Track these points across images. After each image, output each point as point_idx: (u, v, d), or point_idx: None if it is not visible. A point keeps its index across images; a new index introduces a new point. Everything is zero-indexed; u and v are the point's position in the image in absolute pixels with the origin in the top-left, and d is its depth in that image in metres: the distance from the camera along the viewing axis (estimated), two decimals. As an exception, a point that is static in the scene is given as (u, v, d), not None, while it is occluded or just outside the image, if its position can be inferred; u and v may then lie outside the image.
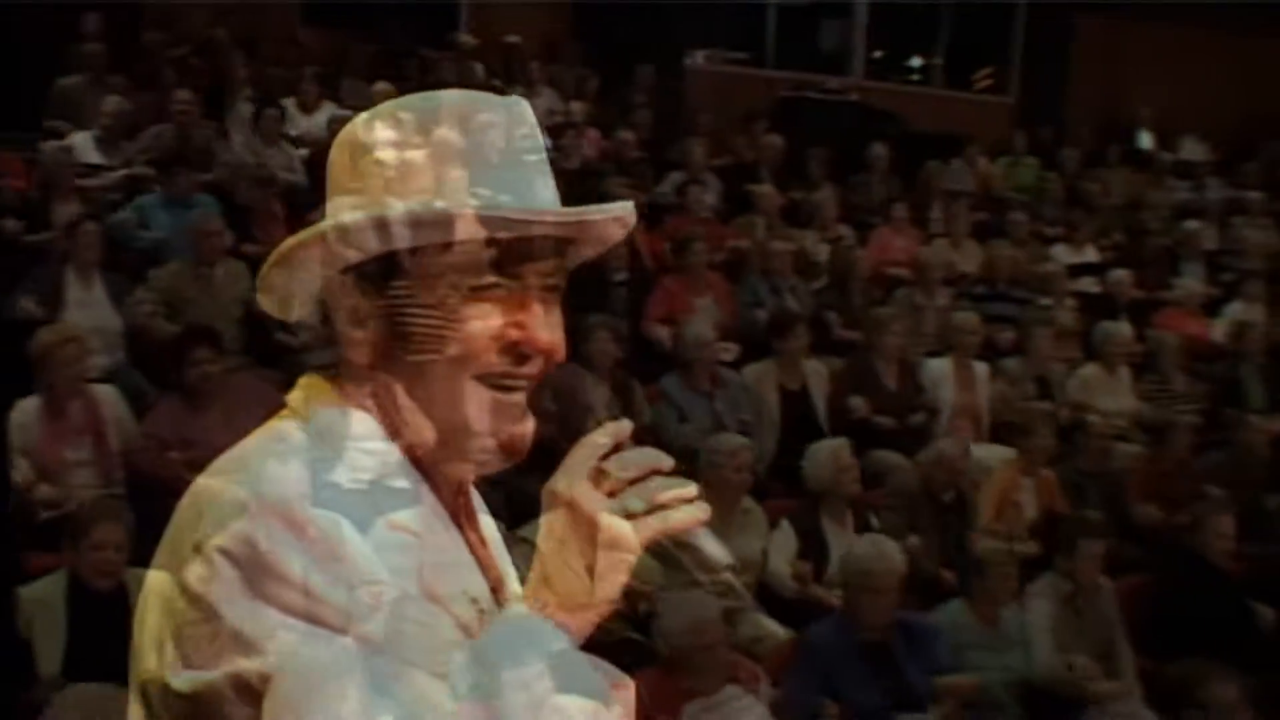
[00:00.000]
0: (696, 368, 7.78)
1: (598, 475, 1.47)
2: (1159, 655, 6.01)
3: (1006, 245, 10.97)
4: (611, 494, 1.46)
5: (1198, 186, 14.64)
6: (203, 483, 1.51)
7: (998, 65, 17.49)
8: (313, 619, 1.38)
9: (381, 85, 11.40)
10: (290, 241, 1.56)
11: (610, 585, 1.46)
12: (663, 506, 1.46)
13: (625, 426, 1.51)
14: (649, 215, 10.59)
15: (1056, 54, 16.72)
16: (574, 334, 7.38)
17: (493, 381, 1.53)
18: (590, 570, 1.45)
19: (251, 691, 1.36)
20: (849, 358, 8.71)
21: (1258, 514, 7.41)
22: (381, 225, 1.50)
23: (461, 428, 1.54)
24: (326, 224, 1.54)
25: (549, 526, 1.48)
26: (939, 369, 8.66)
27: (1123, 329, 9.51)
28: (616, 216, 1.60)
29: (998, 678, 5.76)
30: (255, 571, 1.38)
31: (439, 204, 1.51)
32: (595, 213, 1.57)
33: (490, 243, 1.51)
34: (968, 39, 17.39)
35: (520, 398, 1.56)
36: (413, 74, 12.11)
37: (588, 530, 1.45)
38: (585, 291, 8.27)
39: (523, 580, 1.60)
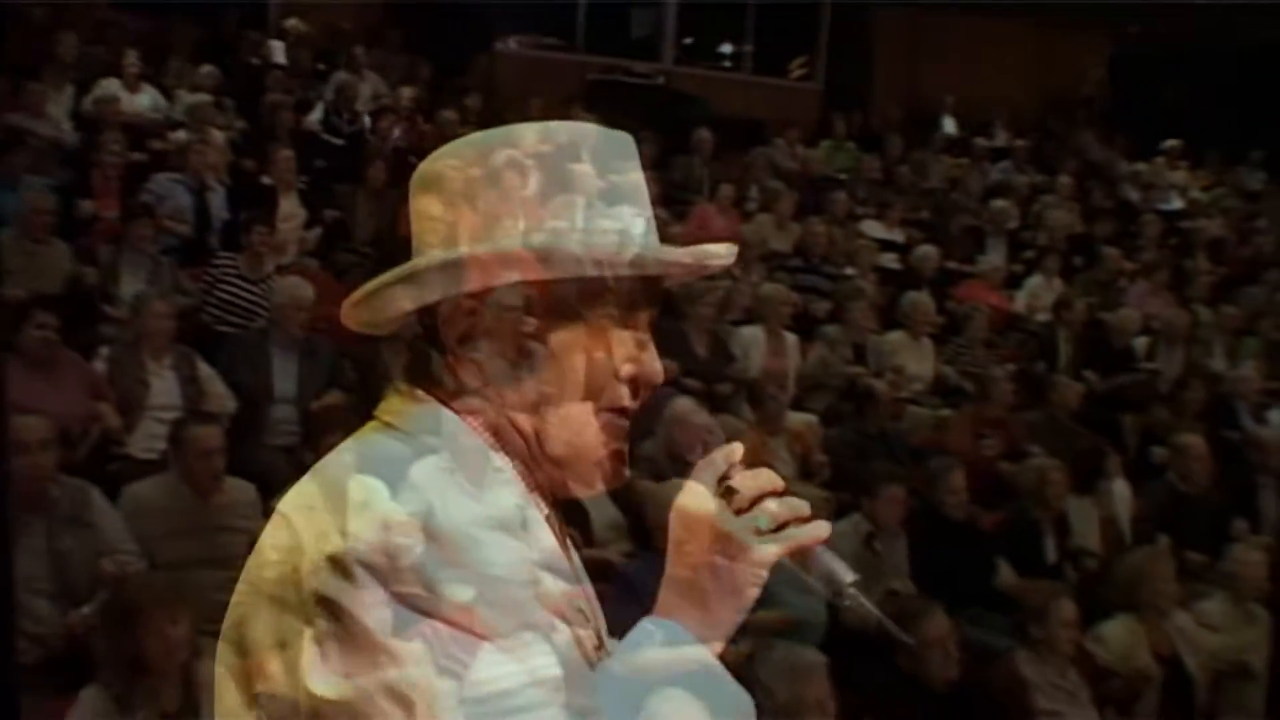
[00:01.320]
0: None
1: (726, 494, 1.50)
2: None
3: (820, 222, 11.30)
4: (738, 512, 1.49)
5: (1006, 170, 15.23)
6: (313, 490, 1.52)
7: (808, 55, 17.91)
8: (458, 626, 1.40)
9: (207, 68, 11.31)
10: (425, 262, 1.56)
11: (744, 600, 1.49)
12: (786, 524, 1.49)
13: (737, 449, 1.54)
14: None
15: (859, 44, 17.25)
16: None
17: (612, 410, 1.58)
18: (731, 590, 1.48)
19: (405, 700, 1.37)
20: (661, 325, 8.83)
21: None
22: (537, 257, 1.51)
23: (584, 453, 1.58)
24: (479, 248, 1.53)
25: (681, 540, 1.51)
26: (749, 336, 8.93)
27: (925, 299, 9.89)
28: (724, 261, 1.63)
29: (805, 614, 5.91)
30: (398, 582, 1.39)
31: (587, 240, 1.53)
32: (720, 256, 1.61)
33: (618, 279, 1.54)
34: (776, 27, 17.71)
35: (626, 423, 1.60)
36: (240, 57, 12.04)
37: (722, 547, 1.48)
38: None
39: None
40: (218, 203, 9.54)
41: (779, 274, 10.27)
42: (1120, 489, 7.98)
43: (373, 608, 1.38)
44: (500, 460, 1.57)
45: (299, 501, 1.52)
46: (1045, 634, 5.78)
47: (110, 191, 9.32)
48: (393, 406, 1.60)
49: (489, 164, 1.56)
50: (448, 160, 1.59)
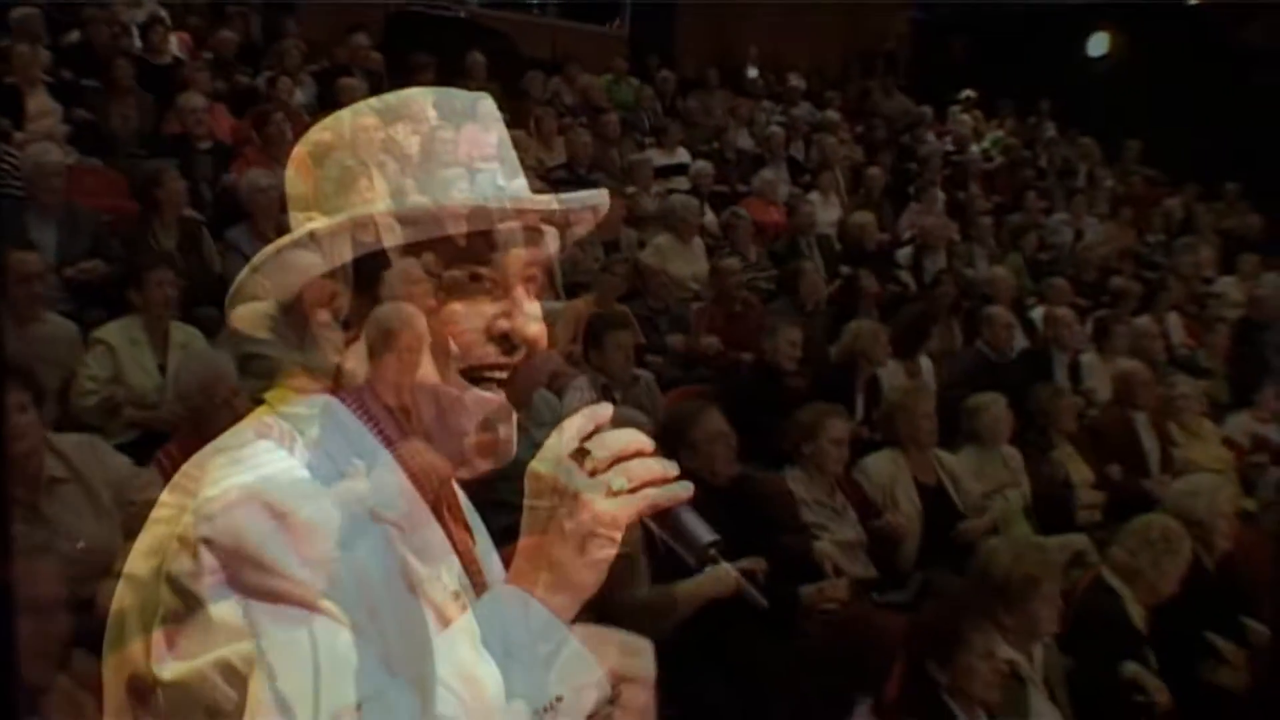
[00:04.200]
0: (259, 217, 7.85)
1: (579, 456, 1.46)
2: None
3: (587, 134, 11.45)
4: (594, 474, 1.45)
5: (787, 109, 15.49)
6: (183, 476, 1.49)
7: (617, 17, 18.01)
8: (296, 604, 1.37)
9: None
10: (272, 246, 1.54)
11: (597, 565, 1.45)
12: (645, 485, 1.45)
13: (605, 410, 1.50)
14: (234, 104, 10.58)
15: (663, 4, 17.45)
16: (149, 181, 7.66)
17: (480, 375, 1.54)
18: (577, 550, 1.44)
19: (238, 675, 1.36)
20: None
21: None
22: (370, 224, 1.50)
23: (451, 426, 1.54)
24: (315, 225, 1.53)
25: (532, 507, 1.47)
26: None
27: (690, 200, 10.13)
28: (593, 205, 1.62)
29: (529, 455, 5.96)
30: (240, 562, 1.38)
31: (424, 199, 1.52)
32: (576, 201, 1.59)
33: (473, 235, 1.52)
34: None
35: (504, 396, 1.56)
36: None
37: (572, 510, 1.44)
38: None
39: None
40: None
41: (543, 182, 10.25)
42: (925, 361, 8.29)
43: (211, 586, 1.37)
44: (379, 446, 1.54)
45: (177, 480, 1.50)
46: (814, 450, 5.96)
47: None
48: (278, 393, 1.58)
49: (342, 134, 1.57)
50: (314, 131, 1.61)
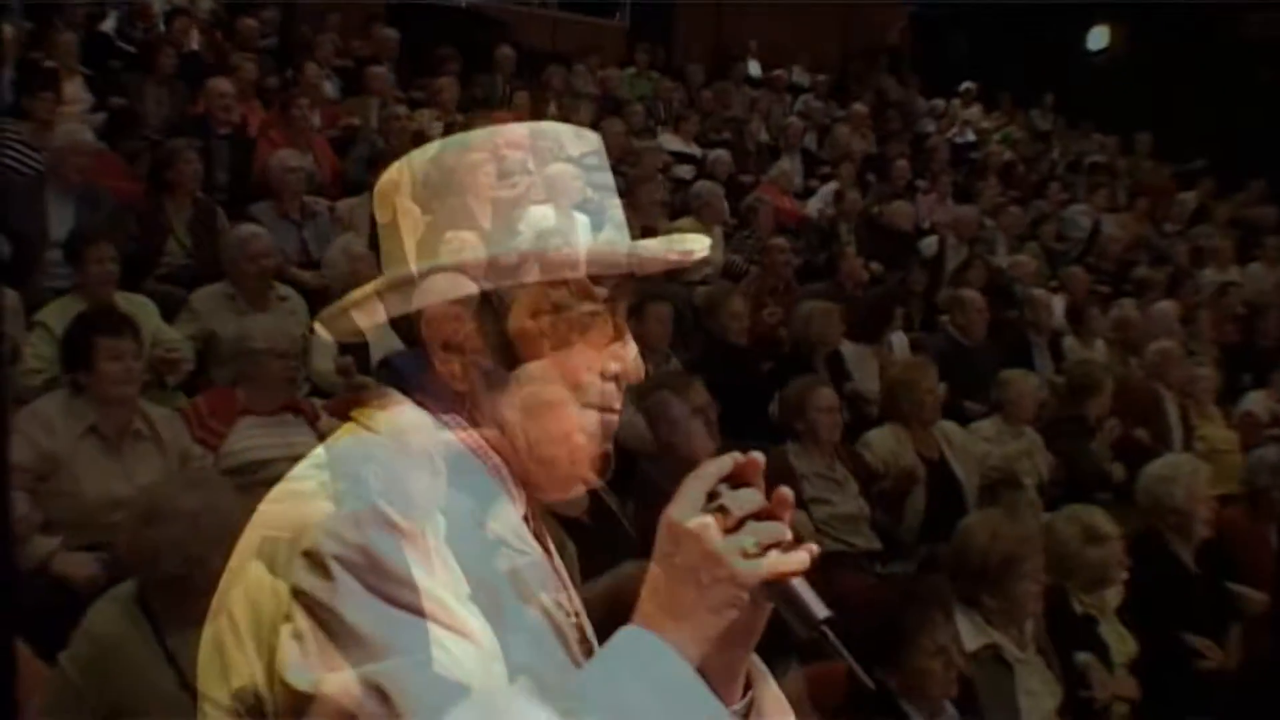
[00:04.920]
0: (285, 196, 8.02)
1: (715, 511, 1.46)
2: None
3: (619, 121, 11.55)
4: (727, 531, 1.45)
5: (807, 102, 15.63)
6: (290, 491, 1.52)
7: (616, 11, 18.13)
8: (434, 620, 1.39)
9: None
10: (401, 274, 1.57)
11: (722, 619, 1.46)
12: (769, 548, 1.46)
13: (728, 462, 1.50)
14: (264, 97, 10.66)
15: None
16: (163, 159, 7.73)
17: (600, 407, 1.59)
18: (707, 605, 1.45)
19: (381, 692, 1.35)
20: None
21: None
22: (510, 263, 1.53)
23: (575, 454, 1.58)
24: (467, 256, 1.54)
25: (668, 553, 1.47)
26: (539, 214, 8.97)
27: (712, 187, 10.20)
28: (694, 252, 1.62)
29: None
30: (374, 577, 1.39)
31: (556, 240, 1.54)
32: (696, 246, 1.61)
33: (601, 277, 1.55)
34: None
35: (615, 420, 1.61)
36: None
37: (709, 566, 1.44)
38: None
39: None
40: (3, 82, 9.31)
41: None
42: (899, 340, 8.36)
43: (349, 602, 1.38)
44: (479, 464, 1.58)
45: (286, 488, 1.53)
46: (806, 424, 6.02)
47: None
48: (371, 410, 1.60)
49: (463, 166, 1.58)
50: (421, 163, 1.60)
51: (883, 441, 6.58)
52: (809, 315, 7.63)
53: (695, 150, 12.69)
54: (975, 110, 17.24)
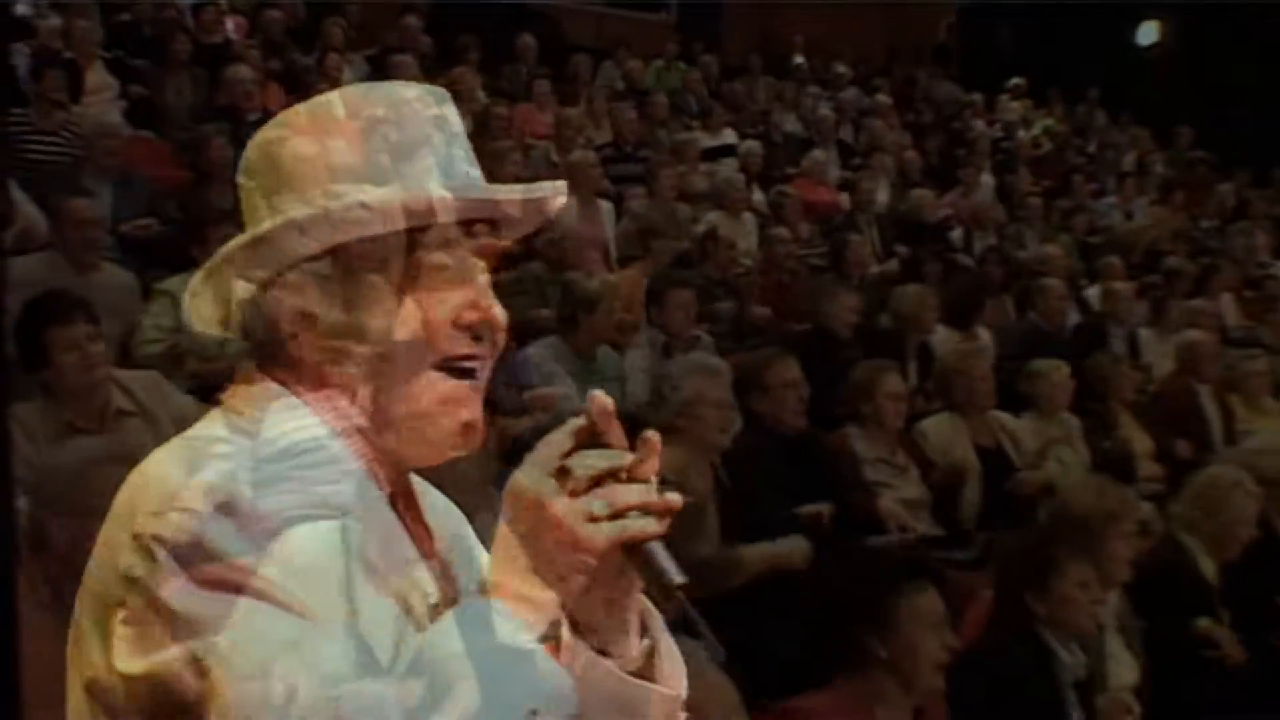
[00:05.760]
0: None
1: (560, 473, 1.41)
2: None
3: (633, 109, 11.58)
4: (574, 494, 1.39)
5: (835, 94, 15.47)
6: (137, 474, 1.50)
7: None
8: (258, 597, 1.37)
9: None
10: (235, 243, 1.54)
11: (570, 586, 1.40)
12: (623, 512, 1.39)
13: (605, 404, 1.43)
14: (288, 84, 10.62)
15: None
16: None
17: (454, 366, 1.52)
18: (552, 571, 1.40)
19: (202, 668, 1.35)
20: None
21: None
22: (337, 216, 1.49)
23: (426, 416, 1.52)
24: (278, 220, 1.52)
25: (513, 519, 1.42)
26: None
27: (738, 175, 10.34)
28: (549, 196, 1.60)
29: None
30: (195, 558, 1.37)
31: (392, 190, 1.51)
32: (547, 190, 1.58)
33: (432, 226, 1.51)
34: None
35: (480, 383, 1.55)
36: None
37: (551, 531, 1.38)
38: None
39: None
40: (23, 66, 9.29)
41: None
42: (984, 334, 8.20)
43: (172, 585, 1.37)
44: (336, 440, 1.52)
45: (131, 479, 1.50)
46: (872, 408, 5.96)
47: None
48: (235, 391, 1.57)
49: (304, 128, 1.56)
50: (268, 131, 1.59)
51: (939, 430, 6.49)
52: (903, 299, 7.64)
53: (733, 139, 12.59)
54: (1020, 105, 17.08)
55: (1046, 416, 6.93)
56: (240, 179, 1.60)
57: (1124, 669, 4.72)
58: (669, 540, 1.40)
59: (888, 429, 6.10)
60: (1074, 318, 9.45)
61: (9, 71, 9.00)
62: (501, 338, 1.56)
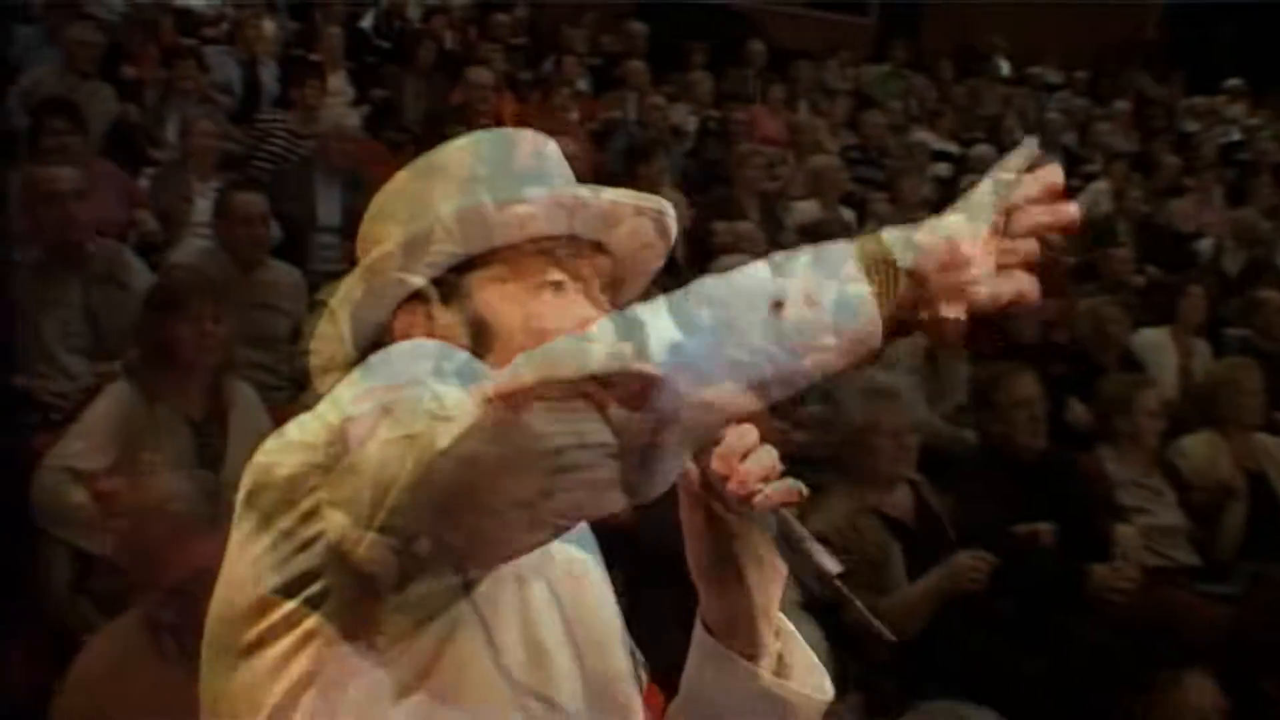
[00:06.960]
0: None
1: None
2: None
3: (879, 113, 11.42)
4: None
5: (1063, 99, 15.28)
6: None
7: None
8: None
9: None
10: (365, 265, 1.57)
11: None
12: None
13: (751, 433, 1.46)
14: (518, 89, 10.66)
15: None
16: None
17: None
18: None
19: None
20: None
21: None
22: (474, 217, 1.50)
23: None
24: (387, 247, 1.54)
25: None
26: (804, 210, 8.87)
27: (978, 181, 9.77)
28: (665, 213, 1.60)
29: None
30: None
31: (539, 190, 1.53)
32: (665, 208, 1.60)
33: (558, 239, 1.52)
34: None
35: None
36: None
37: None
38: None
39: None
40: (268, 75, 9.46)
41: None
42: (1201, 347, 7.72)
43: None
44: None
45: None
46: (1130, 426, 5.62)
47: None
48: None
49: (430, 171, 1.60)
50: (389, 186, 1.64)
51: (1197, 449, 6.06)
52: (1092, 312, 7.26)
53: (953, 147, 12.36)
54: (1240, 107, 16.41)
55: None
56: (365, 227, 1.64)
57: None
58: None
59: (1145, 449, 5.77)
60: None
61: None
62: None
